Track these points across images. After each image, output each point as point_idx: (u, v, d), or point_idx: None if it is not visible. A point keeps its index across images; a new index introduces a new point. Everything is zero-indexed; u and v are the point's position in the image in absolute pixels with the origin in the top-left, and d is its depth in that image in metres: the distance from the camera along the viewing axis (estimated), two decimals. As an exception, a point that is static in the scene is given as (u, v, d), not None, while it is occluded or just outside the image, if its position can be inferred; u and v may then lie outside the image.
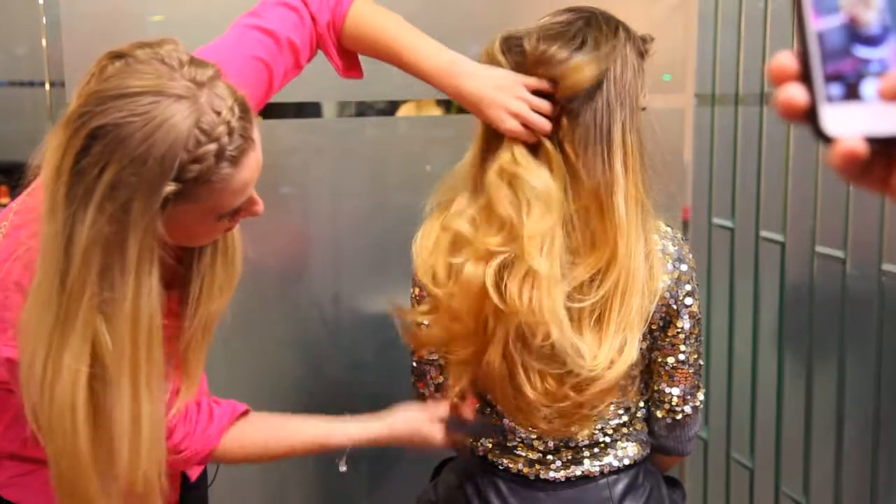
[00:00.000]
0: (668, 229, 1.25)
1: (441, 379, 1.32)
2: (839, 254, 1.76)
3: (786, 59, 0.44)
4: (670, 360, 1.25)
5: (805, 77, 0.43)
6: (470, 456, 1.34)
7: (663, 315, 1.22)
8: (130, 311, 0.95)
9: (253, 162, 0.99)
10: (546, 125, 1.14)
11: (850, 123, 0.43)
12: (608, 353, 1.14)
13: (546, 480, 1.29)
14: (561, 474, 1.29)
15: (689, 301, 1.23)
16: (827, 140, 0.43)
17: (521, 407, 1.23)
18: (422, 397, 1.35)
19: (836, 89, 0.43)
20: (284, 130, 1.88)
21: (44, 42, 1.68)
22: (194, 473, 1.37)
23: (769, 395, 2.00)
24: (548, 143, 1.15)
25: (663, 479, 1.38)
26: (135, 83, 0.92)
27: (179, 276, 1.13)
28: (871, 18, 0.43)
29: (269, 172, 1.89)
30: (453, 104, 1.88)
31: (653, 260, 1.18)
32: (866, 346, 1.72)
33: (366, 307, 1.96)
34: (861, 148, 0.42)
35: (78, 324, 0.95)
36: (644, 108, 1.20)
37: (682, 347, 1.25)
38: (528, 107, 1.14)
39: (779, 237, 1.92)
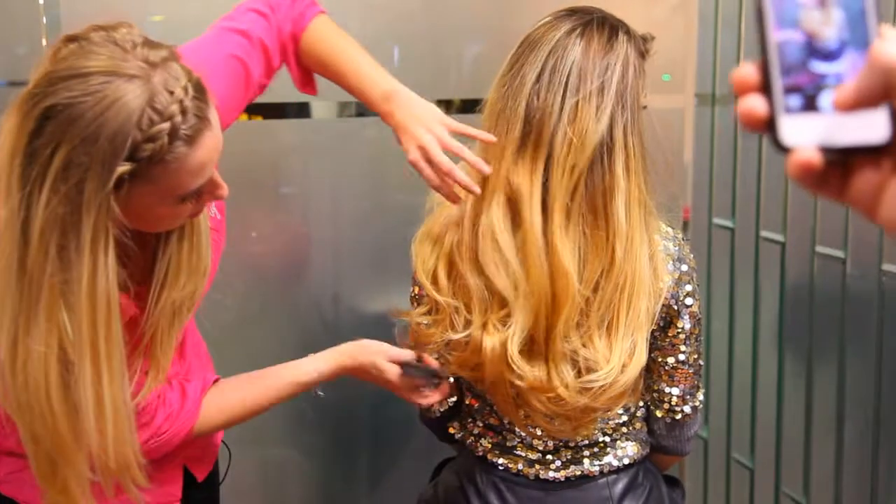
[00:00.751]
0: (669, 229, 1.25)
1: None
2: (839, 254, 1.76)
3: (747, 71, 0.46)
4: (670, 360, 1.25)
5: (765, 88, 0.45)
6: (469, 456, 1.34)
7: (664, 315, 1.22)
8: (87, 291, 0.95)
9: (210, 142, 0.99)
10: (446, 167, 1.15)
11: (807, 134, 0.44)
12: (620, 358, 1.15)
13: (546, 480, 1.29)
14: (560, 474, 1.29)
15: (689, 301, 1.23)
16: (784, 150, 0.44)
17: (526, 412, 1.23)
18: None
19: (794, 101, 0.44)
20: (284, 130, 1.88)
21: (44, 42, 1.68)
22: (202, 473, 1.37)
23: (769, 395, 2.00)
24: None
25: (663, 478, 1.38)
26: (87, 64, 0.92)
27: (147, 265, 1.13)
28: (829, 34, 0.44)
29: (269, 172, 1.91)
30: (453, 105, 1.88)
31: (657, 261, 1.18)
32: (866, 346, 1.72)
33: (366, 307, 1.96)
34: (816, 159, 0.43)
35: (41, 306, 0.95)
36: (644, 107, 1.19)
37: (683, 347, 1.25)
38: (437, 142, 1.16)
39: (779, 237, 1.92)
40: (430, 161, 1.17)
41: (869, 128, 0.43)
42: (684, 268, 1.22)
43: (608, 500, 1.28)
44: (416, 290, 1.29)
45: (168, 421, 1.17)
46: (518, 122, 1.15)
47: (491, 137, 1.15)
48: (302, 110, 1.88)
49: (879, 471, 1.72)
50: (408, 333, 1.28)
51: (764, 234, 1.97)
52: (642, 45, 1.19)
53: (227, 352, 1.82)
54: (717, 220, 2.11)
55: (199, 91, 0.98)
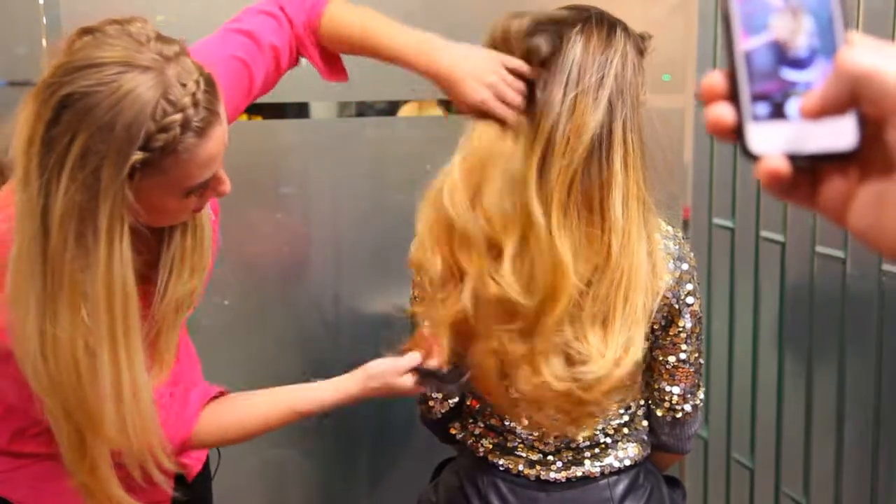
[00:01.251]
0: (669, 228, 1.25)
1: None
2: (839, 254, 1.76)
3: (715, 79, 0.45)
4: (671, 358, 1.26)
5: (733, 96, 0.45)
6: (470, 456, 1.34)
7: (665, 314, 1.22)
8: (103, 276, 0.97)
9: (218, 135, 1.01)
10: (519, 101, 1.14)
11: (775, 142, 0.44)
12: (614, 352, 1.15)
13: (547, 481, 1.29)
14: (562, 475, 1.29)
15: (690, 300, 1.23)
16: (753, 158, 0.44)
17: (517, 401, 1.23)
18: (424, 399, 1.35)
19: (762, 108, 0.44)
20: (285, 130, 1.88)
21: (44, 42, 1.68)
22: (191, 473, 1.37)
23: (769, 395, 2.00)
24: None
25: (663, 478, 1.38)
26: (102, 54, 0.94)
27: (153, 262, 1.14)
28: (799, 41, 0.44)
29: (269, 172, 1.91)
30: (453, 104, 1.87)
31: (656, 258, 1.18)
32: (866, 346, 1.72)
33: (366, 307, 1.96)
34: (783, 167, 0.43)
35: (65, 294, 0.97)
36: (642, 106, 1.19)
37: (684, 346, 1.25)
38: (503, 82, 1.14)
39: (779, 237, 1.92)
40: (500, 99, 1.14)
41: (836, 135, 0.43)
42: (685, 266, 1.22)
43: (609, 500, 1.28)
44: (416, 291, 1.29)
45: (162, 426, 1.17)
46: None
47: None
48: (302, 110, 1.88)
49: (879, 471, 1.72)
50: (412, 335, 1.27)
51: (764, 234, 1.97)
52: (640, 43, 1.19)
53: (227, 352, 1.82)
54: (717, 220, 2.11)
55: (210, 85, 1.00)
